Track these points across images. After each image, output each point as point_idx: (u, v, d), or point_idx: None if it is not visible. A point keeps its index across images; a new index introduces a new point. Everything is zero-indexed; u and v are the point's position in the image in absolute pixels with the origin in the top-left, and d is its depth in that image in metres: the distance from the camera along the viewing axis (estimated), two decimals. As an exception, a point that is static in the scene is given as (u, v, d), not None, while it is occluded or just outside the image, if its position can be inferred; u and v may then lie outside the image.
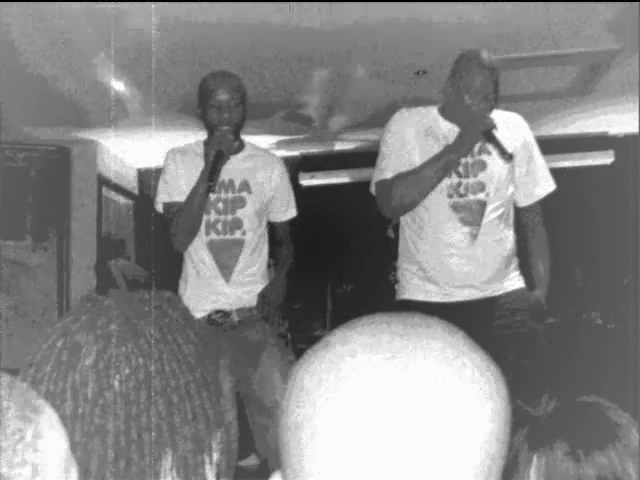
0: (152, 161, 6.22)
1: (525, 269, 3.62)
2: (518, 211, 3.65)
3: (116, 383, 1.03)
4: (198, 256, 3.63)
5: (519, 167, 3.54)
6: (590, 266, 7.11)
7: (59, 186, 6.75)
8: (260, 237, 3.71)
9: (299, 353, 0.92)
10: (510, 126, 3.53)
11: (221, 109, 3.55)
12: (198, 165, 3.57)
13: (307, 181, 7.56)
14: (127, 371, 1.04)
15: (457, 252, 3.42)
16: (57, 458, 0.79)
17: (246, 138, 3.80)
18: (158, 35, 4.33)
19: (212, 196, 3.58)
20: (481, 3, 4.16)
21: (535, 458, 1.35)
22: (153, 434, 1.02)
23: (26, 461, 0.75)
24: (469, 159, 3.44)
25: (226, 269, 3.62)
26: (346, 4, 4.10)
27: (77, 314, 1.09)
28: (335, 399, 0.80)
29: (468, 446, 0.79)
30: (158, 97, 5.51)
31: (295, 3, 4.03)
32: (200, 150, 3.64)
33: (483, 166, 3.46)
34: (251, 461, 5.09)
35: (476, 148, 3.43)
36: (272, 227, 3.82)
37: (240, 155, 3.70)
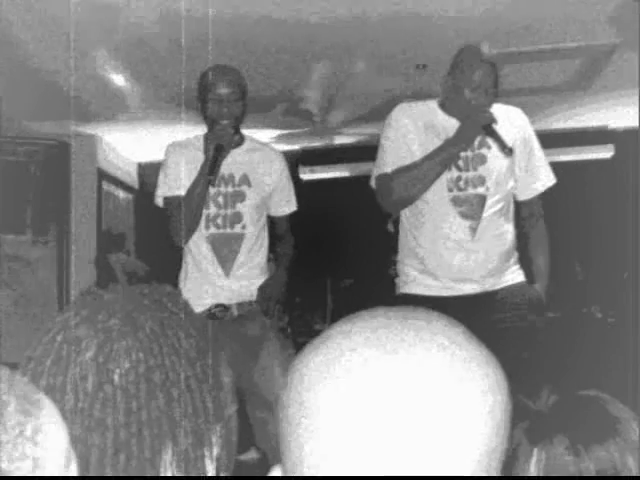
0: (152, 155, 6.24)
1: (525, 263, 3.63)
2: (518, 205, 3.65)
3: (116, 377, 1.03)
4: (198, 250, 3.63)
5: (519, 161, 3.54)
6: (590, 260, 7.11)
7: (59, 180, 6.74)
8: (260, 231, 3.71)
9: (299, 347, 0.92)
10: (510, 120, 3.53)
11: (221, 103, 3.55)
12: (198, 159, 3.57)
13: (307, 175, 7.55)
14: (127, 365, 1.04)
15: (457, 246, 3.42)
16: (57, 452, 0.79)
17: (246, 132, 3.80)
18: (158, 29, 4.33)
19: (212, 190, 3.58)
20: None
21: (535, 452, 1.35)
22: (153, 428, 1.03)
23: (26, 455, 0.75)
24: (469, 153, 3.44)
25: (226, 263, 3.62)
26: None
27: (77, 308, 1.09)
28: (335, 393, 0.80)
29: (468, 440, 0.79)
30: (158, 91, 5.50)
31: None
32: (200, 144, 3.65)
33: (483, 160, 3.46)
34: (251, 455, 5.08)
35: (476, 142, 3.43)
36: (272, 221, 3.83)
37: (240, 149, 3.70)
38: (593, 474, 1.32)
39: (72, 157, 6.78)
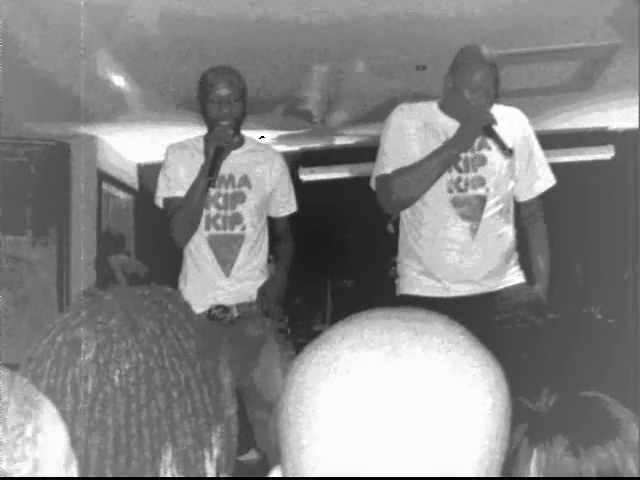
0: (152, 156, 6.23)
1: (525, 264, 3.62)
2: (518, 206, 3.65)
3: (116, 378, 1.03)
4: (198, 251, 3.63)
5: (519, 162, 3.54)
6: (590, 261, 7.11)
7: (59, 181, 6.74)
8: (260, 232, 3.71)
9: (299, 348, 0.92)
10: (510, 121, 3.53)
11: (221, 104, 3.55)
12: (198, 160, 3.57)
13: (307, 176, 7.55)
14: (127, 366, 1.04)
15: (457, 247, 3.42)
16: (57, 453, 0.79)
17: (246, 133, 3.80)
18: (158, 30, 4.33)
19: (212, 191, 3.58)
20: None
21: (535, 453, 1.35)
22: (153, 429, 1.02)
23: (26, 456, 0.75)
24: (469, 154, 3.44)
25: (226, 264, 3.62)
26: (346, -1, 4.10)
27: (77, 309, 1.09)
28: (335, 394, 0.80)
29: (468, 441, 0.79)
30: (158, 92, 5.50)
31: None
32: (200, 145, 3.65)
33: (483, 161, 3.46)
34: (251, 456, 5.09)
35: (476, 143, 3.43)
36: (272, 222, 3.82)
37: (240, 150, 3.70)
38: (593, 475, 1.32)
39: (72, 158, 6.78)
